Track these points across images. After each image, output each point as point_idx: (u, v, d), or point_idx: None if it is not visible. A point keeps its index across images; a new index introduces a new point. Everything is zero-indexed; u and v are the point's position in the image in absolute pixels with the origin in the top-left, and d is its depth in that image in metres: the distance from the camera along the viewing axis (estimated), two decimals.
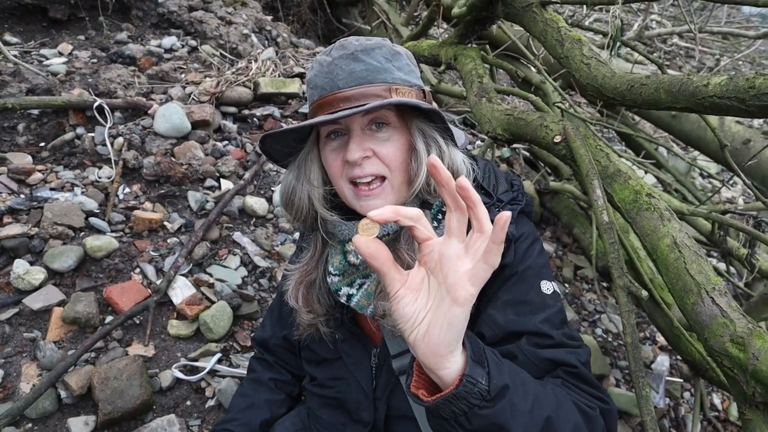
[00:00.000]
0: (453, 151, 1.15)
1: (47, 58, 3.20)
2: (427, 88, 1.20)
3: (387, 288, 0.79)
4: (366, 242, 0.75)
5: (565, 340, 1.10)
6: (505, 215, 0.69)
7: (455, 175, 1.14)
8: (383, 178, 1.11)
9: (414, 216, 0.76)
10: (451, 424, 0.83)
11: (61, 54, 3.28)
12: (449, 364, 0.79)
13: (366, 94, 1.07)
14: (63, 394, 1.81)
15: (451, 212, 0.75)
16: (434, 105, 1.15)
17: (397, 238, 1.16)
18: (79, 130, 2.76)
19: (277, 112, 3.27)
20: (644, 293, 1.15)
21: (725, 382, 1.67)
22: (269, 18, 4.49)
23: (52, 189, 2.47)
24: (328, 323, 1.30)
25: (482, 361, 0.84)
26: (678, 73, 1.15)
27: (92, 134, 2.75)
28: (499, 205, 1.19)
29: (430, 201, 1.17)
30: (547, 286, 1.16)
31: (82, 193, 2.49)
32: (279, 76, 3.48)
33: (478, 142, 3.97)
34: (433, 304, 0.78)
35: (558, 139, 1.36)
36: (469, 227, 0.76)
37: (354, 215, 1.19)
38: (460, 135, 1.22)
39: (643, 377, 1.13)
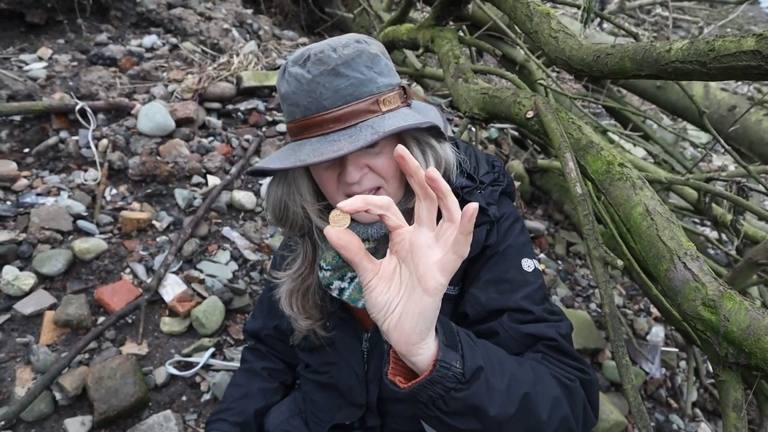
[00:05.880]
0: (445, 149, 1.14)
1: (27, 64, 3.17)
2: (405, 82, 1.19)
3: (360, 278, 0.80)
4: (337, 233, 0.76)
5: (545, 315, 1.11)
6: (472, 207, 0.69)
7: (448, 171, 1.15)
8: (378, 188, 1.11)
9: (384, 204, 0.76)
10: (429, 408, 0.85)
11: (40, 59, 3.26)
12: (422, 350, 0.80)
13: (356, 113, 1.02)
14: (58, 395, 1.82)
15: (420, 201, 0.76)
16: (408, 88, 1.14)
17: (381, 243, 1.16)
18: (63, 134, 2.76)
19: (261, 105, 3.26)
20: (620, 263, 1.15)
21: None
22: (250, 11, 4.46)
23: (38, 194, 2.47)
24: (325, 326, 1.30)
25: (455, 344, 0.85)
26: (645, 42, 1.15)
27: (76, 137, 2.74)
28: (481, 187, 1.19)
29: None
30: (528, 264, 1.17)
31: (69, 196, 2.49)
32: (261, 69, 3.47)
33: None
34: (405, 292, 0.79)
35: (530, 114, 1.36)
36: (440, 216, 0.76)
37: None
38: (440, 121, 1.21)
39: (622, 346, 1.14)
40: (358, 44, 1.06)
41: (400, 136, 1.11)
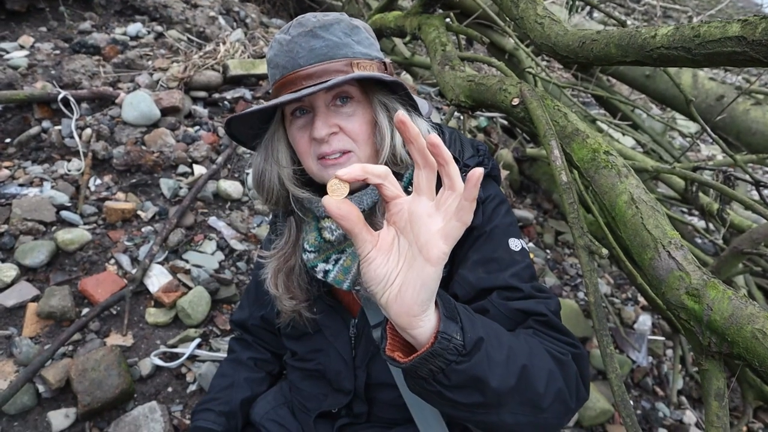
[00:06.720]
0: (417, 120, 1.15)
1: (7, 52, 3.11)
2: (388, 60, 1.19)
3: (358, 250, 0.77)
4: (336, 203, 0.73)
5: (534, 292, 1.12)
6: (478, 171, 0.69)
7: None
8: (348, 152, 1.11)
9: (381, 173, 0.75)
10: (430, 382, 0.83)
11: (22, 47, 3.20)
12: (423, 323, 0.79)
13: (328, 71, 1.06)
14: (41, 388, 1.80)
15: (419, 169, 0.74)
16: (398, 77, 1.14)
17: (373, 211, 1.16)
18: (45, 124, 2.71)
19: (248, 93, 3.22)
20: (604, 251, 1.14)
21: None
22: None
23: (20, 185, 2.43)
24: (311, 309, 1.30)
25: (455, 316, 0.84)
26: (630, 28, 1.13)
27: (59, 127, 2.70)
28: (466, 170, 1.19)
29: (398, 172, 1.17)
30: (515, 244, 1.17)
31: (52, 187, 2.45)
32: (248, 58, 3.43)
33: (456, 113, 3.94)
34: (404, 264, 0.77)
35: (516, 101, 1.35)
36: (439, 185, 0.75)
37: (325, 191, 1.19)
38: (423, 105, 1.22)
39: (607, 335, 1.14)
40: (341, 15, 1.13)
41: (370, 100, 1.13)
